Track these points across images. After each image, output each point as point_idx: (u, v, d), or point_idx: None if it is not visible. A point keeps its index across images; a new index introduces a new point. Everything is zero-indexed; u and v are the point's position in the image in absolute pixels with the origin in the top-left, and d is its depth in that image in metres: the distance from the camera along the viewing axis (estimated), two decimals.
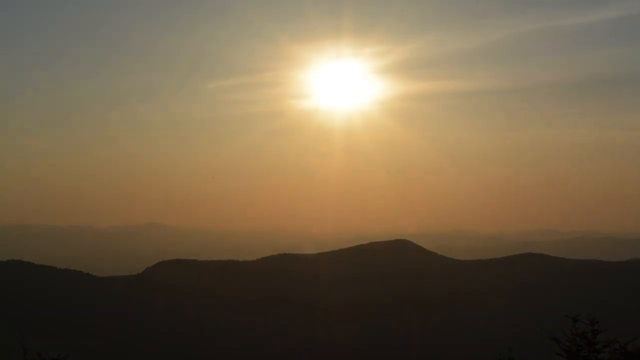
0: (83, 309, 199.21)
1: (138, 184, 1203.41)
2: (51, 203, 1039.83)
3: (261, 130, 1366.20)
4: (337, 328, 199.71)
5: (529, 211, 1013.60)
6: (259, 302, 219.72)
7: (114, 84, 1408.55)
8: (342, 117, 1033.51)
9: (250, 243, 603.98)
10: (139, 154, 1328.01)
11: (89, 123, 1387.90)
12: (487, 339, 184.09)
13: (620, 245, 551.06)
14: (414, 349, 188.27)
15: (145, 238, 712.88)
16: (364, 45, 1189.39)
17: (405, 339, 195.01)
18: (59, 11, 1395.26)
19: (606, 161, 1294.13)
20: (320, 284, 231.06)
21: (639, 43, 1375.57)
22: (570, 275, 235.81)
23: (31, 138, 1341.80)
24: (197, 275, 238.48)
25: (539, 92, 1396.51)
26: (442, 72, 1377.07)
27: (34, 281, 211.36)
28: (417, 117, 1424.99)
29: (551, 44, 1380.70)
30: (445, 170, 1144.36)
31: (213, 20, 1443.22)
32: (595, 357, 21.28)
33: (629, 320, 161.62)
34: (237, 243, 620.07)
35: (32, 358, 22.34)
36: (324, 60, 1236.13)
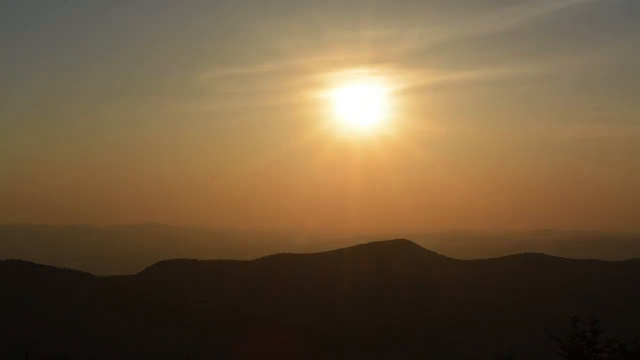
0: (83, 309, 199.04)
1: (138, 184, 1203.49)
2: (51, 203, 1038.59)
3: (262, 129, 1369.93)
4: (337, 327, 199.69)
5: (528, 211, 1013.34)
6: (259, 302, 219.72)
7: (114, 83, 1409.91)
8: (342, 116, 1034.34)
9: (250, 243, 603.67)
10: (139, 153, 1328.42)
11: (88, 122, 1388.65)
12: (487, 339, 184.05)
13: (620, 245, 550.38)
14: (414, 349, 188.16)
15: (145, 238, 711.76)
16: (364, 35, 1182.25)
17: (405, 339, 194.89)
18: (52, 6, 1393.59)
19: (606, 160, 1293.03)
20: (320, 284, 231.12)
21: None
22: (569, 275, 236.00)
23: (31, 138, 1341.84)
24: (197, 275, 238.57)
25: (538, 88, 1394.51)
26: (440, 67, 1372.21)
27: (34, 281, 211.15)
28: (416, 116, 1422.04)
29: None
30: (444, 170, 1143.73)
31: (213, 19, 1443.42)
32: (595, 357, 21.32)
33: (629, 320, 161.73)
34: (237, 243, 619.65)
35: (33, 358, 22.39)
36: (328, 56, 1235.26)
